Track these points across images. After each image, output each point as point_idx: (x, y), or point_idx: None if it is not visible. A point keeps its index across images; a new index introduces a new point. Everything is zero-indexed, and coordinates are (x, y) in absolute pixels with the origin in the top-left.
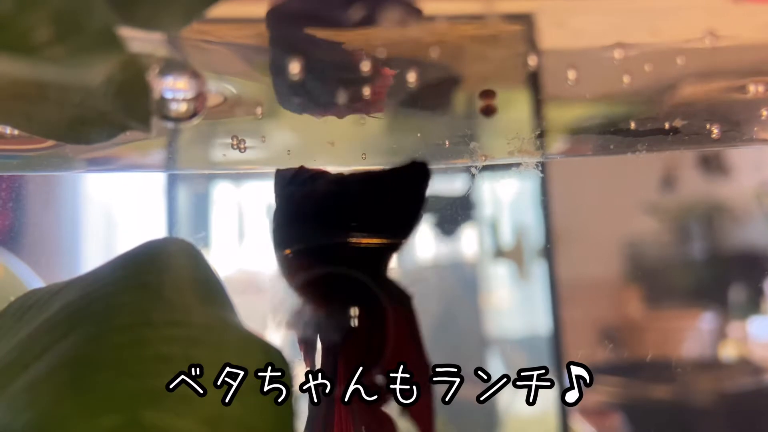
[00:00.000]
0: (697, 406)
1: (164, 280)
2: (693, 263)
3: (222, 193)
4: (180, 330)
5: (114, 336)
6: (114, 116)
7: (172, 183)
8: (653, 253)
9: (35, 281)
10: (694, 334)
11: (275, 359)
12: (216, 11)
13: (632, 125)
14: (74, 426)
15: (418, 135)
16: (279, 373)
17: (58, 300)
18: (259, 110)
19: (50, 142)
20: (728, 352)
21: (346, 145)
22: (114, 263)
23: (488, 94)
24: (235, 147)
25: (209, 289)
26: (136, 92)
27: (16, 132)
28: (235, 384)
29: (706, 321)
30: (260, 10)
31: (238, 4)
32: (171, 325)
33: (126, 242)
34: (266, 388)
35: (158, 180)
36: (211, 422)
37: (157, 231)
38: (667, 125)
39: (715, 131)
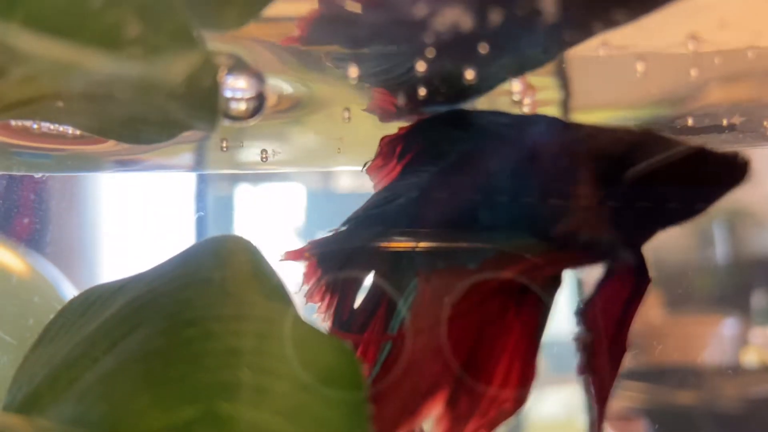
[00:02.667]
0: (720, 412)
1: (227, 276)
2: (715, 268)
3: (244, 193)
4: (247, 324)
5: (183, 330)
6: (178, 115)
7: (199, 183)
8: (675, 258)
9: (61, 281)
10: (716, 339)
11: (344, 353)
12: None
13: (689, 122)
14: (152, 418)
15: None
16: (349, 367)
17: (122, 296)
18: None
19: (79, 141)
20: (750, 358)
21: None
22: (175, 260)
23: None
24: (265, 158)
25: (270, 285)
26: (206, 91)
27: (52, 128)
28: (305, 377)
29: (727, 327)
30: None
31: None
32: (238, 319)
33: (149, 241)
34: (337, 382)
35: (184, 180)
36: (288, 414)
37: (184, 230)
38: (725, 122)
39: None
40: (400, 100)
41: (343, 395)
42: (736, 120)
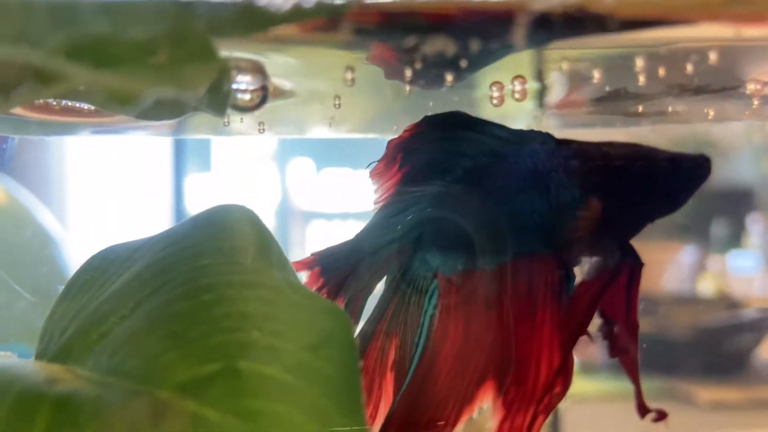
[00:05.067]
0: (674, 339)
1: (235, 245)
2: None
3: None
4: (254, 291)
5: (202, 295)
6: (192, 104)
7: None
8: None
9: (39, 207)
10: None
11: (339, 317)
12: None
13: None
14: (179, 372)
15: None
16: (344, 329)
17: (139, 258)
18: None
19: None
20: (707, 285)
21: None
22: (186, 227)
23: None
24: (262, 131)
25: (272, 254)
26: (220, 89)
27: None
28: (308, 339)
29: (686, 254)
30: None
31: None
32: (247, 286)
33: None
34: (334, 342)
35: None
36: (292, 370)
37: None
38: (670, 109)
39: (711, 113)
40: (401, 55)
41: (338, 354)
42: (680, 108)
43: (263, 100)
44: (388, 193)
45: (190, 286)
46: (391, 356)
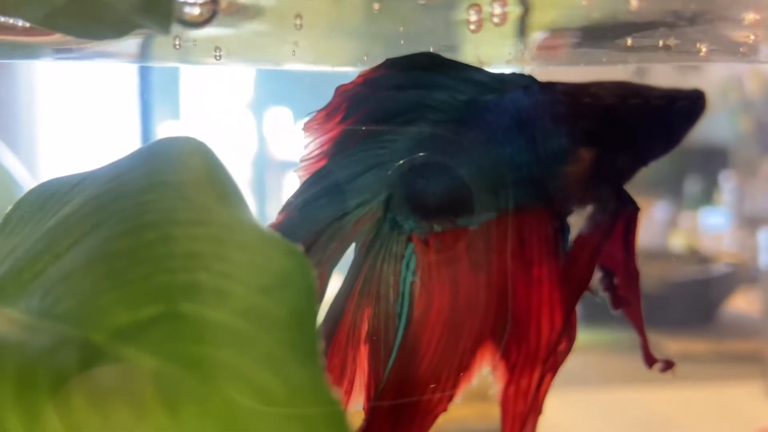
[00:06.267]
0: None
1: (184, 179)
2: None
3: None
4: (204, 229)
5: (144, 233)
6: (130, 16)
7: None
8: None
9: (2, 149)
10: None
11: (297, 258)
12: None
13: (629, 42)
14: (116, 316)
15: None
16: (301, 271)
17: (79, 193)
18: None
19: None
20: (677, 241)
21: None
22: (131, 160)
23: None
24: (218, 57)
25: (226, 189)
26: None
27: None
28: (261, 281)
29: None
30: None
31: None
32: (195, 224)
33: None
34: (290, 285)
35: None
36: (242, 314)
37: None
38: (661, 43)
39: (704, 49)
40: None
41: (294, 297)
42: (671, 42)
43: (213, 15)
44: (322, 149)
45: (132, 223)
46: (364, 328)
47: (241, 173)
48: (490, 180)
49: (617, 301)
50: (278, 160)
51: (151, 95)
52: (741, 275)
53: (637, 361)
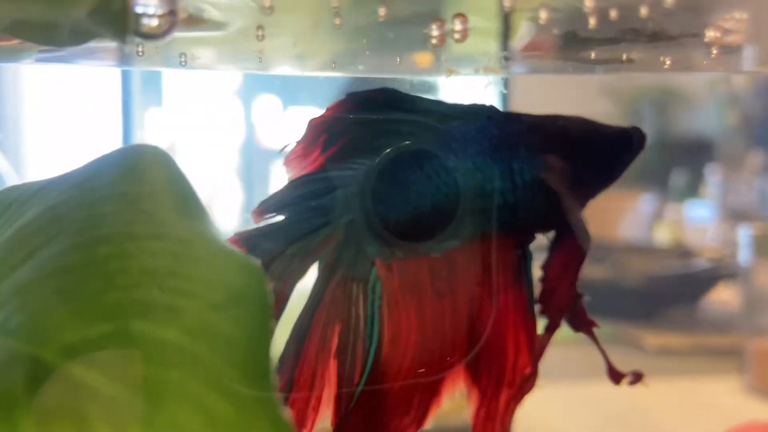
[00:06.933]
0: (625, 286)
1: (143, 191)
2: None
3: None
4: (161, 244)
5: (98, 247)
6: (88, 27)
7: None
8: None
9: None
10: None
11: (254, 274)
12: None
13: (592, 56)
14: (67, 332)
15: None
16: (257, 288)
17: (38, 202)
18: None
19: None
20: (662, 234)
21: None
22: (90, 169)
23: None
24: (184, 63)
25: (186, 201)
26: (116, 11)
27: None
28: (215, 298)
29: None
30: None
31: None
32: (152, 238)
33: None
34: (245, 302)
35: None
36: (193, 333)
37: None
38: (624, 56)
39: (668, 62)
40: None
41: (247, 315)
42: (635, 56)
43: (171, 27)
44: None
45: (86, 236)
46: (334, 344)
47: (228, 161)
48: (455, 208)
49: (577, 323)
50: (266, 148)
51: (133, 84)
52: (722, 270)
53: (617, 355)
